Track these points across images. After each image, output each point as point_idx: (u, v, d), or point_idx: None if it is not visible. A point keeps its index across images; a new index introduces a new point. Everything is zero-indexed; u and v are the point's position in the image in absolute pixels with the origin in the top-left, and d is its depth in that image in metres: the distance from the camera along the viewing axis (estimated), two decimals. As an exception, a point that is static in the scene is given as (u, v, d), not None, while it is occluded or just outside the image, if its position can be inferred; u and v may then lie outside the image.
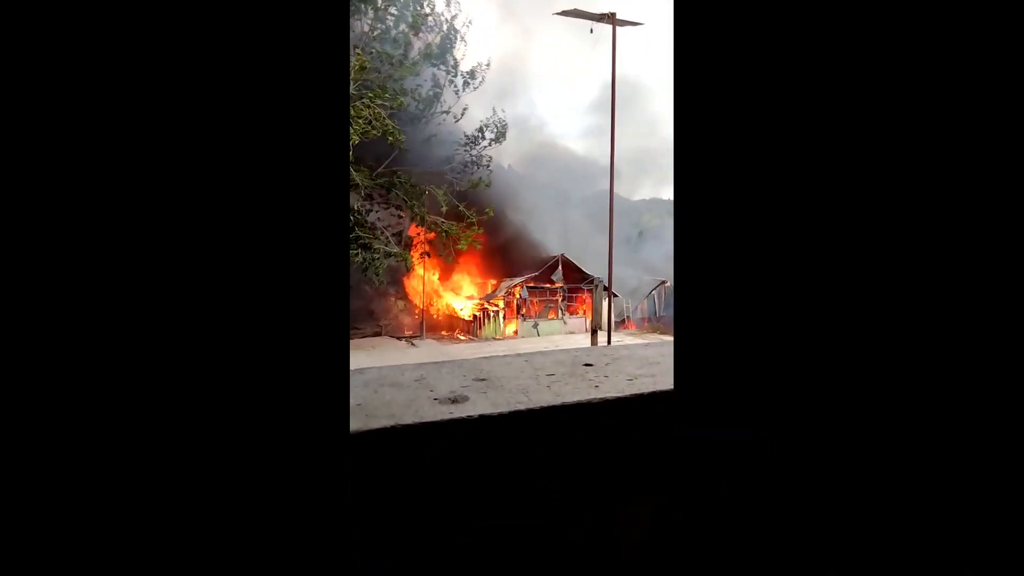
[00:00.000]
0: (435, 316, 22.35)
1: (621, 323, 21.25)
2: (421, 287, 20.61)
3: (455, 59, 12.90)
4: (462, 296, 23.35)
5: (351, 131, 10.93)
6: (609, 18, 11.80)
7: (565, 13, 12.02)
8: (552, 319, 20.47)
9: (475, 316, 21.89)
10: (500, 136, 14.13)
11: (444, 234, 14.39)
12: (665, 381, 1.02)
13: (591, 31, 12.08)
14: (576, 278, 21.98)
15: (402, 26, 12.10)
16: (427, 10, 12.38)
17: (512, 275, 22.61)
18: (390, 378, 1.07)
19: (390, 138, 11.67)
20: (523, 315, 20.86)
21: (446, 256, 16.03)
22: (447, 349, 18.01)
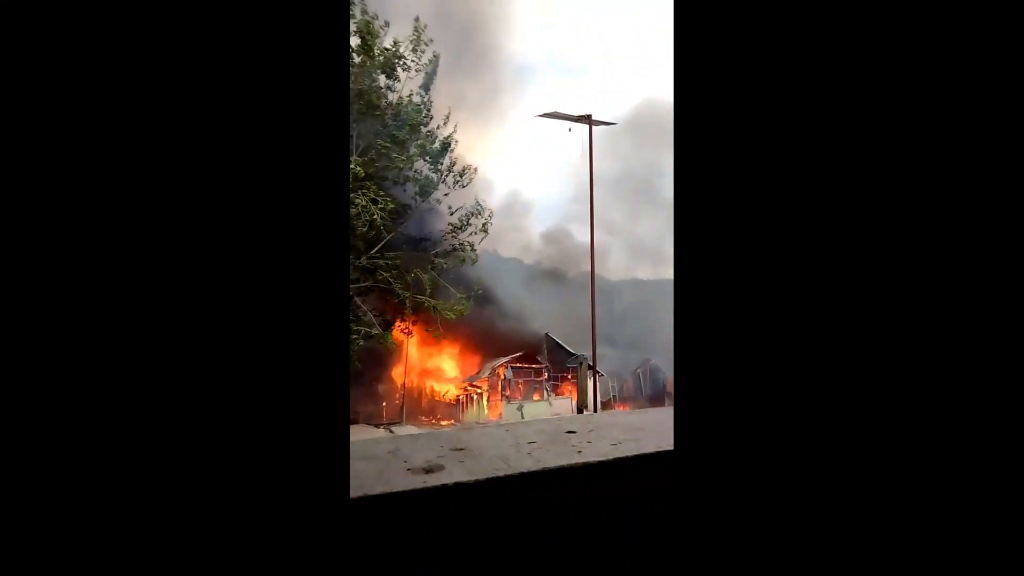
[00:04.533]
0: (418, 400, 21.45)
1: (608, 403, 20.69)
2: (403, 370, 20.06)
3: (451, 161, 14.10)
4: (445, 379, 22.70)
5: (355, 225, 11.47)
6: (586, 119, 13.21)
7: (546, 115, 13.45)
8: (537, 400, 19.83)
9: (458, 399, 21.09)
10: (485, 227, 14.94)
11: (433, 310, 14.43)
12: (650, 445, 0.99)
13: (569, 130, 13.47)
14: (561, 357, 21.77)
15: (408, 141, 13.34)
16: (427, 121, 13.76)
17: (496, 356, 22.30)
18: (362, 451, 1.00)
19: (375, 232, 12.27)
20: (507, 397, 20.20)
21: (433, 332, 15.87)
22: (428, 436, 16.88)
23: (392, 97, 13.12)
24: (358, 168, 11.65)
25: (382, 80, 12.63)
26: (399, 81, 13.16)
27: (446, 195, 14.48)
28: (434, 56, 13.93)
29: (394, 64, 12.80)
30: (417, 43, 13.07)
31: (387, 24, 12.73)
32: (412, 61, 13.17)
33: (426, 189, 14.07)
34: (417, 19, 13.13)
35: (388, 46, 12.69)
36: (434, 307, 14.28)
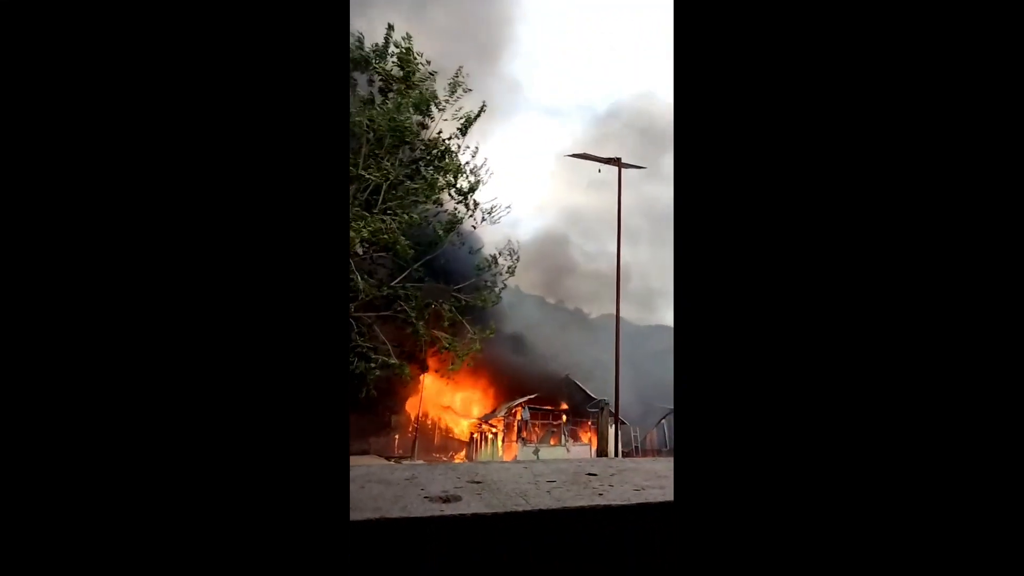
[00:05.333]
0: (431, 436, 21.06)
1: (629, 453, 19.77)
2: (418, 404, 19.86)
3: (476, 202, 14.49)
4: (460, 415, 22.30)
5: (365, 234, 11.70)
6: (615, 162, 13.54)
7: (576, 156, 13.86)
8: (554, 445, 19.15)
9: (471, 437, 20.60)
10: (512, 270, 15.08)
11: (444, 349, 14.40)
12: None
13: (599, 171, 13.80)
14: (581, 401, 21.16)
15: (433, 173, 13.86)
16: (461, 159, 14.27)
17: (514, 395, 21.87)
18: (379, 475, 1.00)
19: (398, 247, 12.50)
20: (523, 439, 19.60)
21: (443, 372, 15.79)
22: (439, 474, 16.40)
23: (425, 135, 13.57)
24: (385, 179, 11.97)
25: (415, 117, 13.07)
26: (432, 120, 13.67)
27: (474, 228, 14.73)
28: (483, 105, 14.56)
29: (428, 103, 13.31)
30: (455, 87, 13.64)
31: (428, 62, 13.36)
32: (448, 102, 13.73)
33: (453, 225, 14.37)
34: (461, 68, 13.86)
35: (422, 76, 13.13)
36: (445, 346, 14.25)
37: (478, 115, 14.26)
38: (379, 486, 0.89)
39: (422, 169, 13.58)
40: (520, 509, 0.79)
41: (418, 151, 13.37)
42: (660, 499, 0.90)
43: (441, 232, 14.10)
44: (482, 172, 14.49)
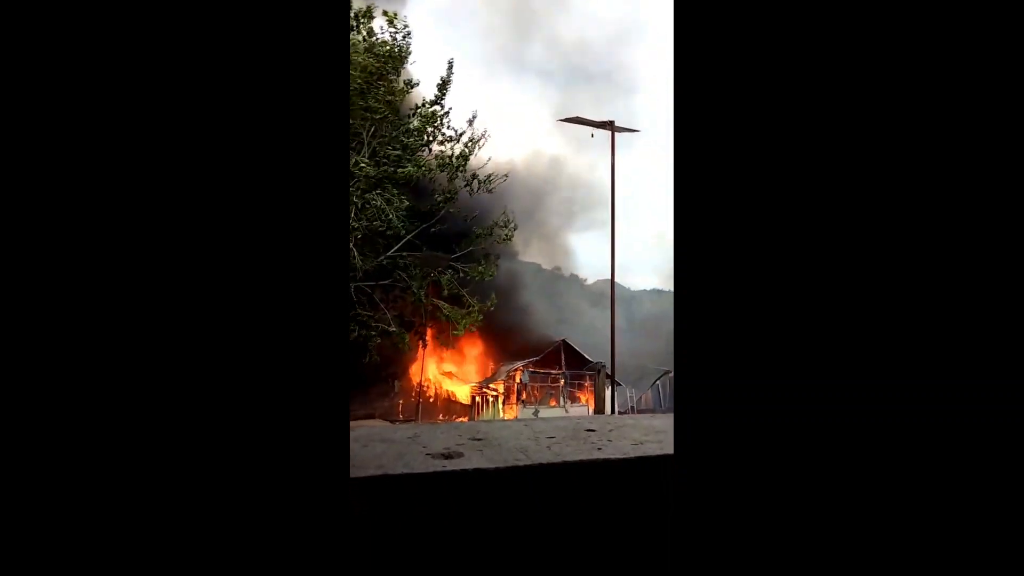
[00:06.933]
0: (434, 400, 21.63)
1: (625, 413, 20.41)
2: (419, 369, 20.27)
3: (474, 173, 14.13)
4: (461, 380, 22.81)
5: (360, 222, 11.57)
6: (608, 125, 13.17)
7: (568, 120, 13.46)
8: (553, 406, 19.70)
9: (473, 400, 21.17)
10: (509, 237, 14.97)
11: (444, 318, 14.56)
12: (672, 447, 0.96)
13: (592, 135, 13.45)
14: (578, 364, 21.61)
15: (425, 137, 13.43)
16: (449, 129, 13.78)
17: (513, 359, 22.29)
18: (381, 435, 1.01)
19: (393, 231, 12.40)
20: (523, 401, 20.14)
21: (443, 340, 16.01)
22: (442, 436, 17.00)
23: (396, 98, 12.93)
24: (369, 169, 11.75)
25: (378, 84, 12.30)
26: (394, 90, 12.84)
27: (471, 196, 14.49)
28: (449, 63, 13.90)
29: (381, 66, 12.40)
30: (395, 31, 12.60)
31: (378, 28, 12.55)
32: (408, 58, 12.86)
33: (448, 195, 14.13)
34: (385, 12, 12.59)
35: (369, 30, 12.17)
36: (447, 316, 14.39)
37: (449, 72, 13.65)
38: (382, 444, 0.91)
39: (403, 137, 13.15)
40: (521, 464, 0.80)
41: (390, 119, 12.72)
42: (657, 452, 0.92)
43: (441, 201, 13.89)
44: (475, 142, 14.04)
